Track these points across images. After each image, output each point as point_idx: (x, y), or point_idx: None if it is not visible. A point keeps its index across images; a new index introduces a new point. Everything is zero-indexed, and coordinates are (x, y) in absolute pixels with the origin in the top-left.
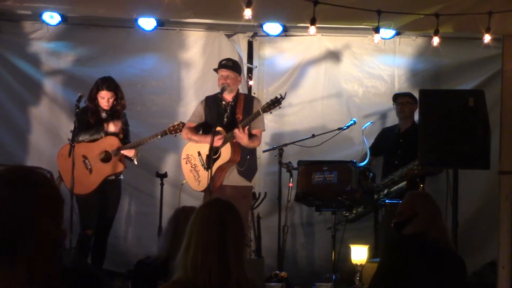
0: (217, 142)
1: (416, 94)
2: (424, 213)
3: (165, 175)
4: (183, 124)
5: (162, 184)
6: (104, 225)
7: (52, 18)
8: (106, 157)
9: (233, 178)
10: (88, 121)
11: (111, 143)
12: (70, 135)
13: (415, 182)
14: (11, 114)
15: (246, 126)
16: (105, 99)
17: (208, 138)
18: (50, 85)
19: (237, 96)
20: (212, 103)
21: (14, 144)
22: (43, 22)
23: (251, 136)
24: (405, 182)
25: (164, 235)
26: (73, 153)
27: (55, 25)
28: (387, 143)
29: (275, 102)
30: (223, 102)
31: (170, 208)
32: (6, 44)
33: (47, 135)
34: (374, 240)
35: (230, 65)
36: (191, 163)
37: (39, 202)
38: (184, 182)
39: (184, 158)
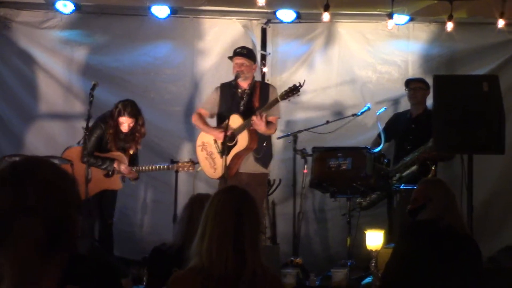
0: (219, 137)
1: (430, 80)
2: (437, 199)
3: (179, 162)
4: (193, 163)
5: (177, 172)
6: (107, 213)
7: (65, 6)
8: (109, 172)
9: (250, 166)
10: (104, 142)
11: (119, 158)
12: (84, 124)
13: (427, 165)
14: (25, 103)
15: (263, 113)
16: (125, 124)
17: (215, 131)
18: (64, 74)
19: (253, 83)
20: (227, 90)
21: (29, 133)
22: (57, 11)
23: (267, 123)
24: (416, 166)
25: (179, 223)
26: (87, 140)
27: (68, 14)
28: (399, 129)
29: (293, 90)
30: (239, 90)
31: (185, 195)
32: (20, 33)
33: (61, 124)
34: (388, 226)
35: (245, 52)
36: (206, 150)
37: (31, 201)
38: (199, 169)
39: (199, 146)
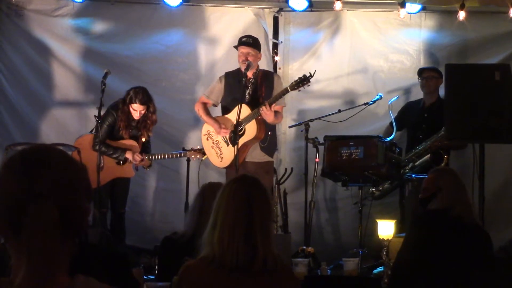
0: (220, 132)
1: (442, 69)
2: (448, 188)
3: (191, 151)
4: (203, 152)
5: (188, 160)
6: (119, 203)
7: None
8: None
9: (256, 155)
10: (116, 129)
11: (131, 148)
12: (96, 112)
13: (439, 154)
14: (37, 91)
15: (272, 103)
16: (137, 111)
17: (215, 125)
18: (75, 61)
19: (257, 72)
20: (232, 79)
21: (40, 121)
22: None
23: (275, 113)
24: (429, 155)
25: (190, 212)
26: (99, 129)
27: (80, 2)
28: (412, 118)
29: (304, 80)
30: (244, 79)
31: (196, 184)
32: (32, 21)
33: (73, 112)
34: (400, 215)
35: (250, 42)
36: (212, 139)
37: (45, 186)
38: (204, 158)
39: (205, 135)
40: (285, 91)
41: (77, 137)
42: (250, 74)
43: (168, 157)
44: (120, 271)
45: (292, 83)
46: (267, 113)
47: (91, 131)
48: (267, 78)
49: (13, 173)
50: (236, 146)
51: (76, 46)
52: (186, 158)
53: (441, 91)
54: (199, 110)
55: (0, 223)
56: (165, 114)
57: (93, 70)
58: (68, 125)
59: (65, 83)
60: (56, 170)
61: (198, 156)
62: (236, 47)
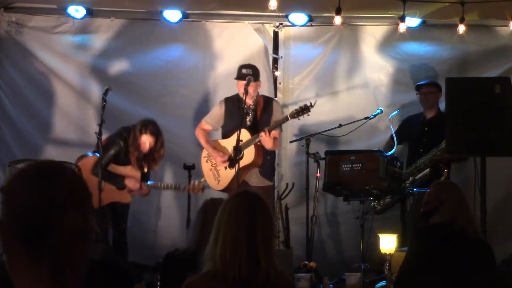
0: (221, 162)
1: (442, 82)
2: (449, 202)
3: (192, 167)
4: (203, 187)
5: (190, 176)
6: (120, 220)
7: (77, 11)
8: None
9: (254, 180)
10: (121, 158)
11: (133, 176)
12: (97, 129)
13: (439, 168)
14: (38, 109)
15: (272, 130)
16: (146, 143)
17: (214, 153)
18: (76, 78)
19: (257, 99)
20: (232, 105)
21: (41, 138)
22: (69, 15)
23: (273, 139)
24: (429, 169)
25: (192, 227)
26: (100, 145)
27: (80, 19)
28: (412, 131)
29: (304, 110)
30: (244, 106)
31: (198, 200)
32: (32, 38)
33: (73, 129)
34: (401, 229)
35: (250, 73)
36: (211, 161)
37: (66, 195)
38: (202, 180)
39: (204, 157)
40: (285, 119)
41: (78, 156)
42: (250, 101)
43: (167, 187)
44: (123, 287)
45: (293, 111)
46: (266, 140)
47: (93, 152)
48: (267, 105)
49: (31, 186)
50: (236, 167)
51: (76, 63)
52: (187, 174)
53: (441, 105)
54: (198, 136)
55: (14, 238)
56: (166, 130)
57: (93, 86)
58: (68, 142)
59: (66, 100)
60: (70, 182)
61: (198, 192)
62: (236, 78)
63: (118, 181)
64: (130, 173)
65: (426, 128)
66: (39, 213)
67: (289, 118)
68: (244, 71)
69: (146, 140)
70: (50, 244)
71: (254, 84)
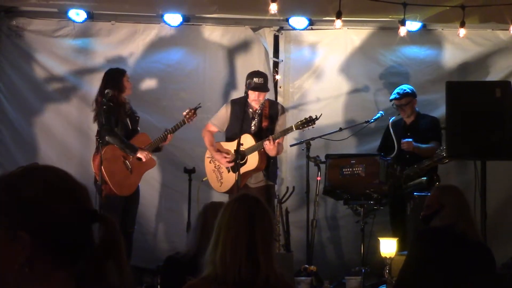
0: (225, 163)
1: (443, 86)
2: (450, 205)
3: (193, 170)
4: (194, 110)
5: (190, 180)
6: (129, 222)
7: (78, 15)
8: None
9: (255, 180)
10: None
11: (143, 140)
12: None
13: (433, 179)
14: (38, 112)
15: (277, 139)
16: (130, 83)
17: (218, 155)
18: (76, 82)
19: (263, 103)
20: (238, 108)
21: (41, 141)
22: (69, 19)
23: (277, 144)
24: (424, 179)
25: (193, 231)
26: (101, 149)
27: (81, 22)
28: (396, 137)
29: (309, 122)
30: (250, 110)
31: (198, 204)
32: (32, 42)
33: (75, 133)
34: (402, 233)
35: (263, 87)
36: (214, 163)
37: (91, 203)
38: (204, 179)
39: (208, 157)
40: (290, 129)
41: (78, 159)
42: (256, 105)
43: (173, 133)
44: None
45: (298, 122)
46: (270, 148)
47: (96, 152)
48: (272, 110)
49: (59, 195)
50: (238, 172)
51: (77, 67)
52: (188, 178)
53: (438, 111)
54: (204, 137)
55: (40, 251)
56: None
57: (94, 90)
58: (69, 145)
59: (66, 103)
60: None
61: (193, 117)
62: (250, 88)
63: (130, 150)
64: (140, 140)
65: (408, 134)
66: (74, 223)
67: (294, 129)
68: (256, 80)
69: (127, 78)
70: (82, 253)
71: (265, 95)
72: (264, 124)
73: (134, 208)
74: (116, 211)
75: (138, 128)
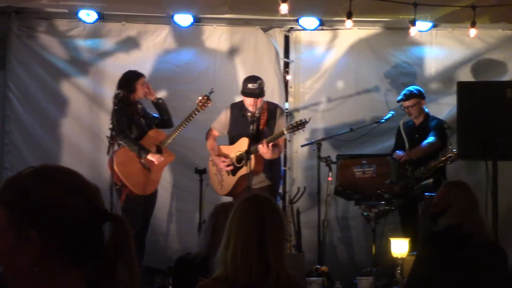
0: (224, 167)
1: (453, 86)
2: (458, 204)
3: (204, 171)
4: (207, 97)
5: (201, 180)
6: (144, 223)
7: (88, 16)
8: (157, 151)
9: (257, 180)
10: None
11: (157, 136)
12: (108, 133)
13: (439, 181)
14: (48, 113)
15: (270, 143)
16: (144, 85)
17: (217, 160)
18: (87, 83)
19: (261, 107)
20: (237, 112)
21: (52, 143)
22: (80, 20)
23: (274, 146)
24: (431, 180)
25: (204, 232)
26: (112, 150)
27: (91, 23)
28: (407, 138)
29: (300, 125)
30: (249, 113)
31: (209, 204)
32: (43, 42)
33: (86, 133)
34: (413, 233)
35: (257, 93)
36: (216, 166)
37: (102, 202)
38: (208, 183)
39: (211, 161)
40: (281, 134)
41: (90, 158)
42: (253, 109)
43: (187, 123)
44: None
45: (289, 126)
46: (264, 151)
47: (108, 152)
48: (270, 113)
49: (74, 194)
50: (249, 164)
51: (87, 67)
52: (199, 178)
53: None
54: (207, 141)
55: (53, 250)
56: (176, 134)
57: (104, 91)
58: (80, 146)
59: (77, 104)
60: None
61: (207, 104)
62: (243, 93)
63: (141, 152)
64: (153, 136)
65: (416, 135)
66: (84, 223)
67: (285, 133)
68: (250, 86)
69: (143, 82)
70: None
71: (259, 100)
72: (262, 127)
73: (151, 208)
74: (136, 212)
75: (154, 127)
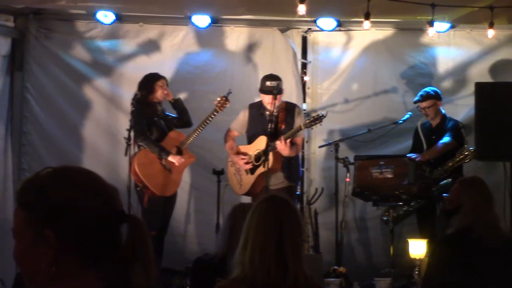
0: (243, 165)
1: (471, 87)
2: (469, 204)
3: (221, 172)
4: (226, 98)
5: (219, 181)
6: (163, 225)
7: (106, 17)
8: (178, 152)
9: (277, 180)
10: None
11: (177, 137)
12: (126, 134)
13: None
14: (66, 113)
15: (287, 139)
16: (163, 86)
17: (235, 158)
18: (105, 84)
19: (279, 106)
20: (255, 111)
21: (70, 143)
22: (98, 21)
23: (292, 144)
24: (447, 180)
25: (221, 233)
26: (129, 151)
27: (109, 24)
28: (425, 139)
29: (317, 119)
30: (267, 112)
31: (227, 205)
32: (61, 43)
33: (104, 134)
34: (430, 234)
35: (275, 93)
36: (235, 166)
37: (120, 202)
38: (227, 184)
39: (229, 161)
40: (299, 129)
41: (108, 159)
42: (272, 108)
43: (206, 123)
44: None
45: (306, 121)
46: (282, 148)
47: (126, 154)
48: (288, 112)
49: (91, 195)
50: (266, 163)
51: (105, 68)
52: (216, 179)
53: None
54: (226, 143)
55: (71, 250)
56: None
57: (122, 91)
58: (98, 147)
59: (95, 105)
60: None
61: (226, 105)
62: (261, 91)
63: (161, 153)
64: (173, 137)
65: (433, 137)
66: (101, 224)
67: (302, 128)
68: (268, 83)
69: (162, 84)
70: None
71: (278, 96)
72: (281, 126)
73: (171, 209)
74: (158, 214)
75: (173, 128)
